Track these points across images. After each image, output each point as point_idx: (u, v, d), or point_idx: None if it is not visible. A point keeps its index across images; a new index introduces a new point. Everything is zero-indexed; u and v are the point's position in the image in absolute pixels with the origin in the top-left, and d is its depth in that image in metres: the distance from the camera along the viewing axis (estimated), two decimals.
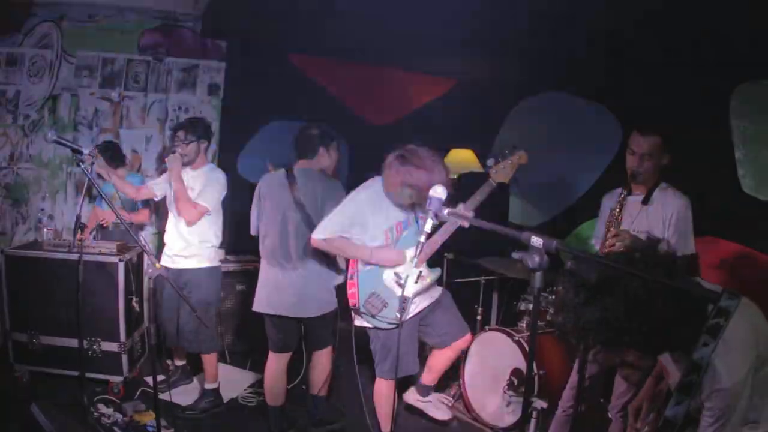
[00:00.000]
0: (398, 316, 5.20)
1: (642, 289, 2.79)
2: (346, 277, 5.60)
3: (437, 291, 5.78)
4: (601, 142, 7.68)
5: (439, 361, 6.00)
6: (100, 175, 6.66)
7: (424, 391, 6.22)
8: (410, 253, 5.35)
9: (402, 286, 5.23)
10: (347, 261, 5.63)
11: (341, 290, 5.86)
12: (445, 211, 3.41)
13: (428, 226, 3.57)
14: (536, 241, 2.61)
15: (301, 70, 9.43)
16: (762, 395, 3.13)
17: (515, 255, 2.69)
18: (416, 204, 5.34)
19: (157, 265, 4.81)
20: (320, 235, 5.32)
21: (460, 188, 5.60)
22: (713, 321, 2.90)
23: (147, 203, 7.72)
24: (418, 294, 5.44)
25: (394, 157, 5.26)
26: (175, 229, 6.70)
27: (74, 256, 6.51)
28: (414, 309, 5.46)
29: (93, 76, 8.72)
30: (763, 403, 3.15)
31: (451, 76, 9.82)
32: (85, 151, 5.13)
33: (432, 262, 5.65)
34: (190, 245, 6.69)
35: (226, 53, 9.10)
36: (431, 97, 9.85)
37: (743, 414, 2.97)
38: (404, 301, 5.22)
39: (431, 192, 3.58)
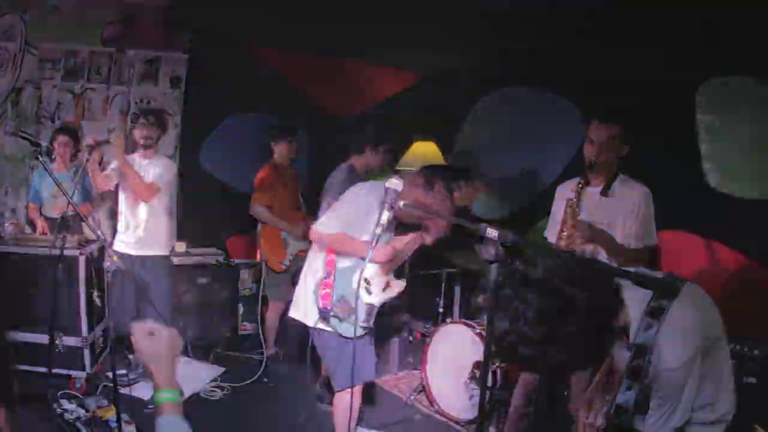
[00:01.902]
0: (363, 324, 5.18)
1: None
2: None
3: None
4: (565, 135, 7.70)
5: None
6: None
7: None
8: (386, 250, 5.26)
9: (370, 293, 5.21)
10: (324, 260, 5.37)
11: None
12: (401, 203, 3.40)
13: (384, 218, 3.54)
14: (491, 232, 2.59)
15: (263, 62, 9.41)
16: (715, 379, 3.14)
17: (477, 247, 2.67)
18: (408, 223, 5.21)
19: (115, 257, 4.79)
20: (326, 229, 5.10)
21: None
22: (655, 303, 2.92)
23: (88, 197, 7.68)
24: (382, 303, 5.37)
25: (422, 175, 5.03)
26: (131, 215, 6.71)
27: (33, 251, 6.51)
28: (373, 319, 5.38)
29: (56, 68, 8.65)
30: (717, 387, 3.14)
31: (416, 69, 9.81)
32: (44, 144, 5.13)
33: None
34: (157, 228, 6.84)
35: (188, 45, 9.05)
36: (395, 90, 9.84)
37: (693, 397, 2.96)
38: (371, 309, 5.25)
39: (387, 183, 3.57)
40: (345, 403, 5.20)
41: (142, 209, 6.69)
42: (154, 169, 6.82)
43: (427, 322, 8.14)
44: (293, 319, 5.59)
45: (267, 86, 9.28)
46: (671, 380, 2.92)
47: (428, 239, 5.19)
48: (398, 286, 5.44)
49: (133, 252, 6.75)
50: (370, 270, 5.21)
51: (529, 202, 8.29)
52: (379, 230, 3.59)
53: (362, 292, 5.17)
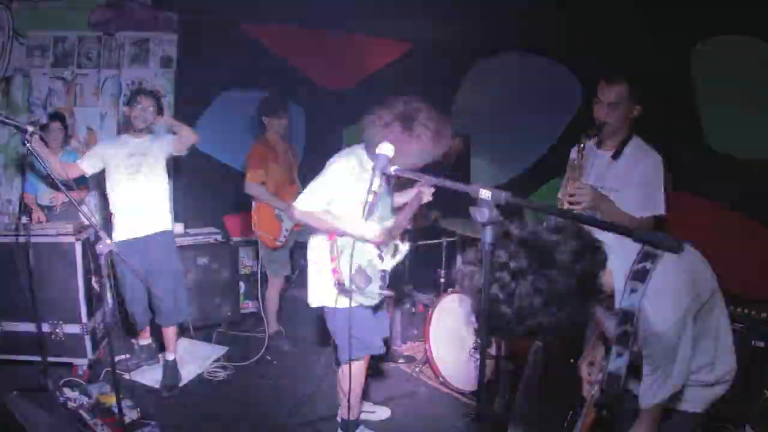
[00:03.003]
0: (381, 290, 5.18)
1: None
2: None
3: None
4: (561, 100, 7.64)
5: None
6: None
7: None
8: (378, 226, 5.15)
9: (382, 259, 5.20)
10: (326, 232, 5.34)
11: None
12: (392, 169, 3.31)
13: (375, 185, 3.44)
14: (485, 193, 2.51)
15: (254, 38, 9.36)
16: (712, 338, 3.12)
17: (470, 209, 2.59)
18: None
19: (108, 240, 4.71)
20: (303, 206, 5.00)
21: None
22: (639, 265, 2.86)
23: (85, 180, 7.58)
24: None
25: (396, 116, 4.73)
26: (139, 193, 6.65)
27: (30, 239, 6.43)
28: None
29: (45, 55, 8.59)
30: (715, 346, 3.14)
31: (406, 39, 9.75)
32: (29, 129, 5.06)
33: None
34: (160, 205, 6.81)
35: (178, 25, 8.98)
36: (387, 61, 9.78)
37: (688, 360, 2.91)
38: (384, 275, 5.23)
39: (377, 149, 3.48)
40: (353, 374, 5.22)
41: (146, 186, 6.64)
42: (159, 142, 6.80)
43: (429, 294, 8.10)
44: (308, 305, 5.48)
45: (260, 62, 9.24)
46: (661, 344, 2.88)
47: (426, 196, 5.23)
48: (405, 249, 5.43)
49: (140, 234, 6.69)
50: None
51: (525, 169, 8.24)
52: (371, 198, 3.49)
53: (375, 260, 5.18)
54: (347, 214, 5.00)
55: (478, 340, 6.33)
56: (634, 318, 2.86)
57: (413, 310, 8.27)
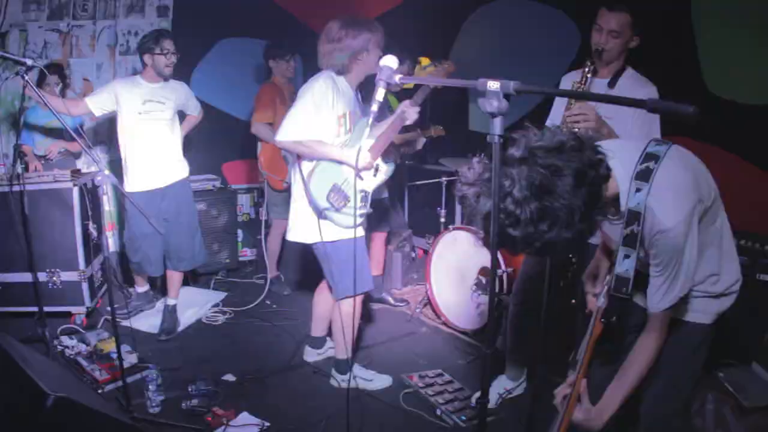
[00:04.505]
0: (361, 211, 5.20)
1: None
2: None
3: (384, 192, 5.70)
4: (558, 46, 7.60)
5: (324, 307, 5.89)
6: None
7: (319, 343, 6.18)
8: (369, 155, 5.18)
9: (362, 178, 5.18)
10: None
11: None
12: (397, 78, 3.28)
13: (379, 95, 3.41)
14: (493, 84, 2.47)
15: None
16: (717, 247, 3.12)
17: (479, 100, 2.56)
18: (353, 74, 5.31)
19: (106, 171, 4.65)
20: (288, 136, 5.03)
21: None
22: (642, 166, 2.85)
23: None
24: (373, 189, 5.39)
25: (342, 27, 5.16)
26: (156, 141, 6.56)
27: (23, 188, 6.34)
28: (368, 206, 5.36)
29: (41, 8, 8.53)
30: (720, 254, 3.14)
31: None
32: (29, 62, 5.00)
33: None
34: (177, 154, 6.81)
35: None
36: (384, 9, 9.70)
37: (694, 263, 2.90)
38: (365, 195, 5.25)
39: (381, 62, 3.44)
40: (354, 310, 5.27)
41: (164, 134, 6.58)
42: (175, 92, 6.74)
43: (429, 239, 8.07)
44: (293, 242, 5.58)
45: (255, 10, 9.16)
46: (668, 242, 2.85)
47: (411, 115, 5.17)
48: (387, 169, 5.44)
49: (158, 185, 6.62)
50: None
51: (525, 115, 8.19)
52: (375, 107, 3.46)
53: (352, 178, 5.15)
54: (329, 131, 5.09)
55: (479, 278, 6.30)
56: (641, 217, 2.85)
57: (413, 255, 8.24)
